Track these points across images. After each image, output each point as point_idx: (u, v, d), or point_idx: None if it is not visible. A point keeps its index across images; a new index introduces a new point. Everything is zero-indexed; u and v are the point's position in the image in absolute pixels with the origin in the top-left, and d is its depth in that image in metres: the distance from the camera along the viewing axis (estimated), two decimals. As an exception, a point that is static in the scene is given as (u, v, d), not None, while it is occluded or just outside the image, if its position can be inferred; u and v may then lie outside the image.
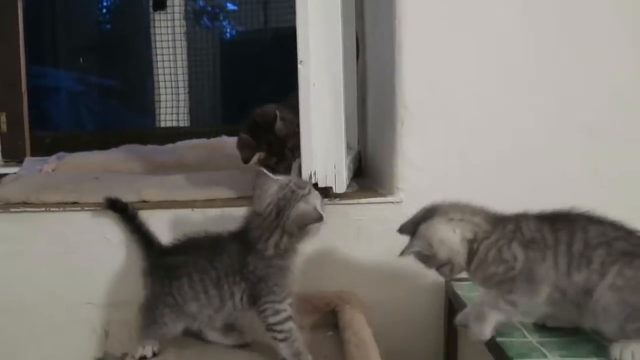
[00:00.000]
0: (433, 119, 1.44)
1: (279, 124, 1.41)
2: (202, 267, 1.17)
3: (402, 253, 1.13)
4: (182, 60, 2.36)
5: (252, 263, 1.15)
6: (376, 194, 1.47)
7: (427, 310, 1.48)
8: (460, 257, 1.10)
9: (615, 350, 1.01)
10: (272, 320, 1.14)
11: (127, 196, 1.49)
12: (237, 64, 3.19)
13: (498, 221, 1.12)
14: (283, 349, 1.14)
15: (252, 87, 2.83)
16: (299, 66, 1.28)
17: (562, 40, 1.43)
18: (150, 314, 1.21)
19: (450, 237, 1.10)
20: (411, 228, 1.14)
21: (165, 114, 2.37)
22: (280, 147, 1.43)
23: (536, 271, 1.05)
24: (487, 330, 1.09)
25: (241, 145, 1.48)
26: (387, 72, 1.50)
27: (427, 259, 1.12)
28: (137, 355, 1.20)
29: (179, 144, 2.13)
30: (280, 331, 1.14)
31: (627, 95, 1.44)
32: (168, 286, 1.18)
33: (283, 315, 1.14)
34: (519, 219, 1.11)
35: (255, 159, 1.45)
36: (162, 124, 2.43)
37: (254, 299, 1.15)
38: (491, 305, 1.08)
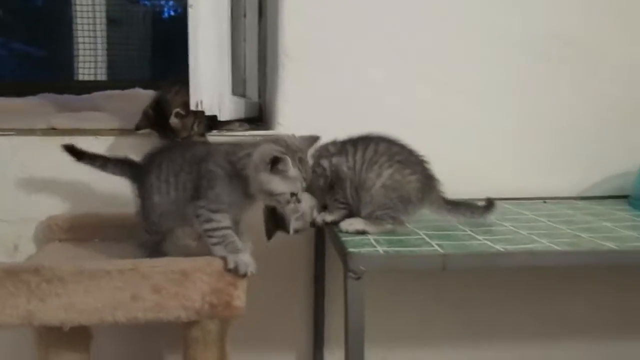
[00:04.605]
0: (308, 64, 1.68)
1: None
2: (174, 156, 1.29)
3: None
4: (100, 19, 2.49)
5: (211, 161, 1.22)
6: (257, 127, 1.70)
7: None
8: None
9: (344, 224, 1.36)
10: (205, 226, 1.20)
11: (37, 124, 1.67)
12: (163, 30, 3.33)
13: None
14: (217, 251, 1.21)
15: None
16: (189, 9, 1.48)
17: None
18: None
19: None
20: None
21: (84, 67, 2.49)
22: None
23: (342, 169, 1.38)
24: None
25: None
26: (274, 24, 1.72)
27: None
28: None
29: (95, 94, 2.26)
30: (212, 237, 1.20)
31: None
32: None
33: (214, 225, 1.20)
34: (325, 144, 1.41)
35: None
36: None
37: (194, 196, 1.22)
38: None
